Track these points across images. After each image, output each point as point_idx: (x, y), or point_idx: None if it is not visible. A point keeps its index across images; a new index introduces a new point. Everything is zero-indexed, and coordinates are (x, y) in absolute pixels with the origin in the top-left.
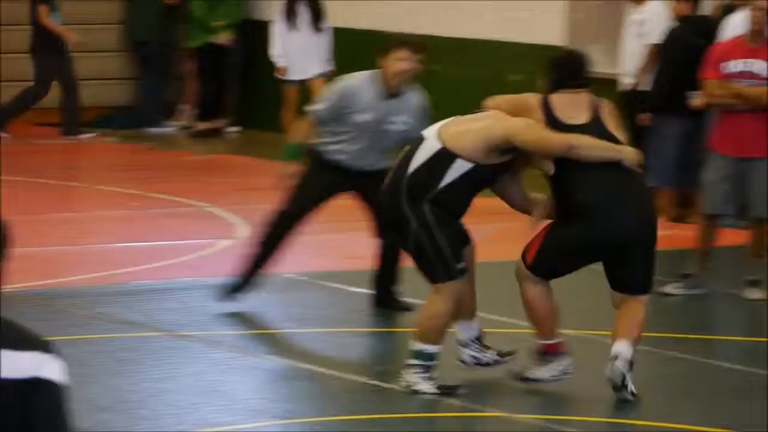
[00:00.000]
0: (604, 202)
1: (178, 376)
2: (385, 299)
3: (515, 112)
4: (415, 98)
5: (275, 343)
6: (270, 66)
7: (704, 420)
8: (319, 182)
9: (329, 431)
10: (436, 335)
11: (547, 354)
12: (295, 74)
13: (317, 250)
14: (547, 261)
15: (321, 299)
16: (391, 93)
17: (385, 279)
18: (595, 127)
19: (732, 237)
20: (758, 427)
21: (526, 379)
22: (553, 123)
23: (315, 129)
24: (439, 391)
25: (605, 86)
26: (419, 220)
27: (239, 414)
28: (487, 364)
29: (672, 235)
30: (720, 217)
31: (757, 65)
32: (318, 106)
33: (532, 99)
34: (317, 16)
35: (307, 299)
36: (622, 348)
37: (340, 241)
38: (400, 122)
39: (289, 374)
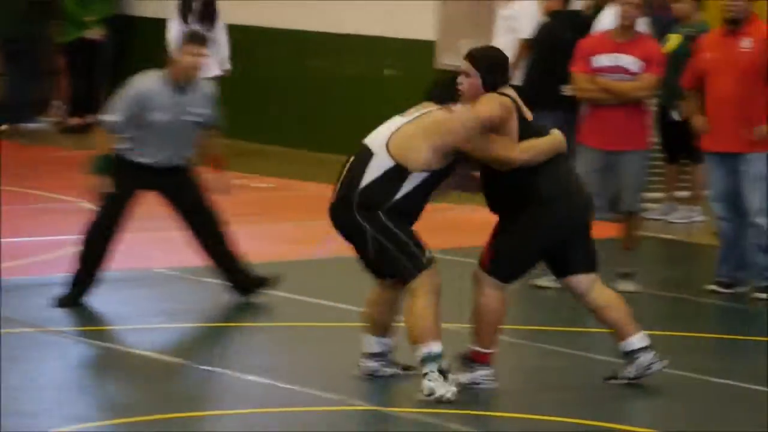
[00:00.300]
0: (562, 189)
1: (47, 371)
2: (243, 283)
3: (504, 119)
4: (205, 88)
5: (147, 338)
6: (143, 62)
7: (580, 412)
8: (126, 186)
9: (198, 430)
10: (429, 334)
11: (476, 362)
12: None
13: (189, 245)
14: (510, 262)
15: (194, 294)
16: (183, 87)
17: (228, 268)
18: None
19: (604, 230)
20: (633, 418)
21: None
22: (523, 124)
23: (114, 137)
24: (457, 394)
25: None
26: (375, 226)
27: (107, 410)
28: (381, 376)
29: None
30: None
31: (625, 60)
32: (112, 116)
33: (508, 102)
34: (211, 15)
35: (180, 294)
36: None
37: None
38: (195, 114)
39: (162, 370)
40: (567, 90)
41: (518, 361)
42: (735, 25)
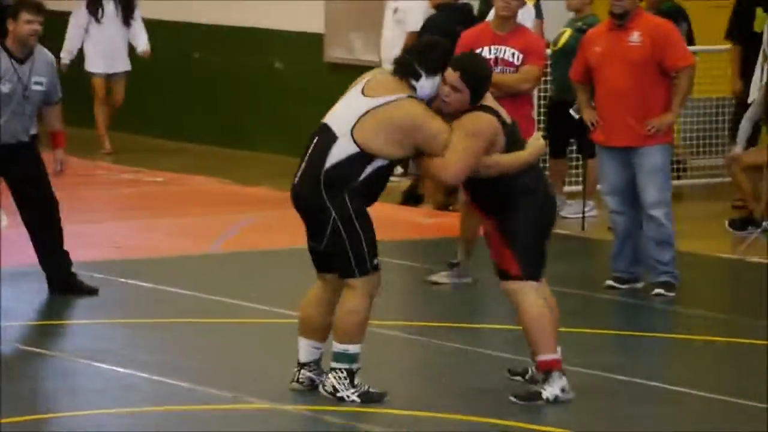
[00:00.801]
0: (539, 182)
1: None
2: (63, 281)
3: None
4: (44, 56)
5: (38, 336)
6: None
7: (471, 408)
8: None
9: (80, 429)
10: (355, 333)
11: (552, 370)
12: (100, 67)
13: (81, 240)
14: (536, 259)
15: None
16: (23, 56)
17: (53, 261)
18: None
19: None
20: (526, 414)
21: (539, 400)
22: (506, 130)
23: None
24: (360, 400)
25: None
26: (339, 212)
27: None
28: (316, 387)
29: (437, 222)
30: None
31: (505, 52)
32: None
33: (494, 123)
34: (127, 8)
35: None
36: None
37: (106, 231)
38: (38, 84)
39: (54, 368)
40: None
41: (412, 358)
42: (622, 19)
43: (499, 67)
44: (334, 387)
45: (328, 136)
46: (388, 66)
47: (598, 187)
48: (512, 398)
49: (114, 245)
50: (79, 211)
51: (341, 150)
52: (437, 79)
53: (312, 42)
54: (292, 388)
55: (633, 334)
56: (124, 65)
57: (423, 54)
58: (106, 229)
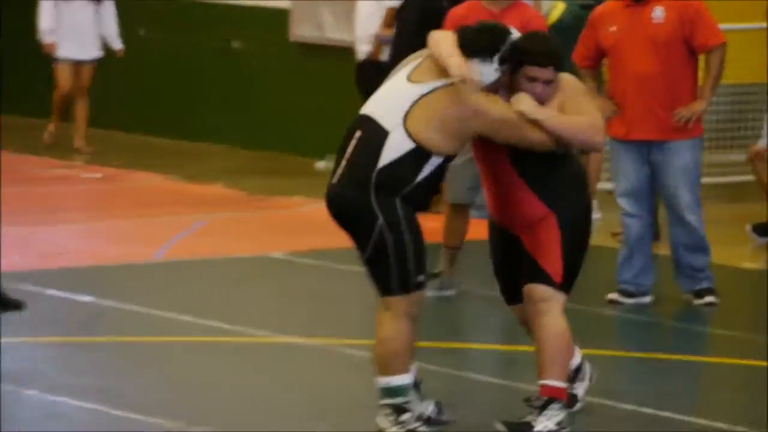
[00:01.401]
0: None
1: None
2: None
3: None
4: None
5: None
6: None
7: None
8: None
9: None
10: (396, 363)
11: (555, 400)
12: (67, 52)
13: (4, 246)
14: (574, 273)
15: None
16: None
17: None
18: None
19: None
20: None
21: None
22: None
23: None
24: None
25: (339, 54)
26: (388, 217)
27: None
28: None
29: None
30: (468, 206)
31: None
32: None
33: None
34: None
35: None
36: None
37: (34, 235)
38: None
39: None
40: None
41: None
42: None
43: None
44: (381, 426)
45: (376, 131)
46: (364, 47)
47: (599, 186)
48: (498, 426)
49: (43, 252)
50: (3, 213)
51: (395, 147)
52: (499, 69)
53: (276, 18)
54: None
55: (641, 356)
56: (94, 50)
57: (493, 40)
58: (35, 233)
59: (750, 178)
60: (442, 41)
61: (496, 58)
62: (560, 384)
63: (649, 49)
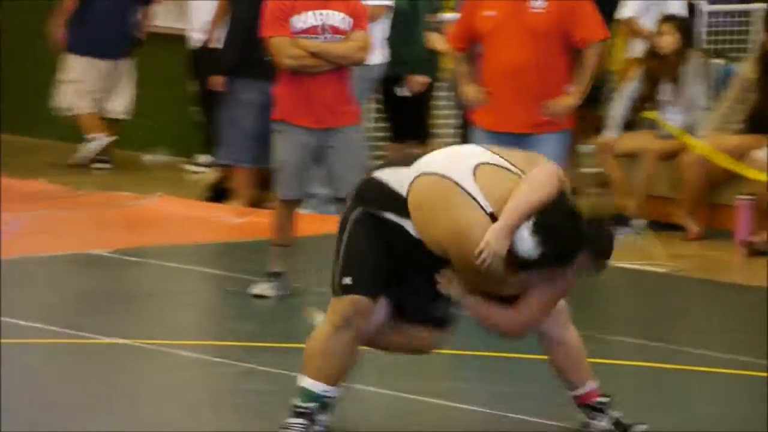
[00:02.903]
0: None
1: None
2: None
3: None
4: None
5: None
6: None
7: None
8: None
9: None
10: (318, 367)
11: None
12: None
13: None
14: None
15: None
16: None
17: None
18: None
19: (321, 224)
20: None
21: None
22: None
23: None
24: None
25: (171, 44)
26: (360, 216)
27: None
28: None
29: (249, 222)
30: (300, 201)
31: (332, 17)
32: None
33: None
34: None
35: None
36: None
37: None
38: None
39: None
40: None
41: (221, 385)
42: None
43: (327, 36)
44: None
45: (407, 160)
46: (198, 35)
47: None
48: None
49: None
50: None
51: (398, 180)
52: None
53: None
54: None
55: (481, 355)
56: None
57: (554, 215)
58: None
59: (599, 170)
60: (534, 196)
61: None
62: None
63: (526, 39)
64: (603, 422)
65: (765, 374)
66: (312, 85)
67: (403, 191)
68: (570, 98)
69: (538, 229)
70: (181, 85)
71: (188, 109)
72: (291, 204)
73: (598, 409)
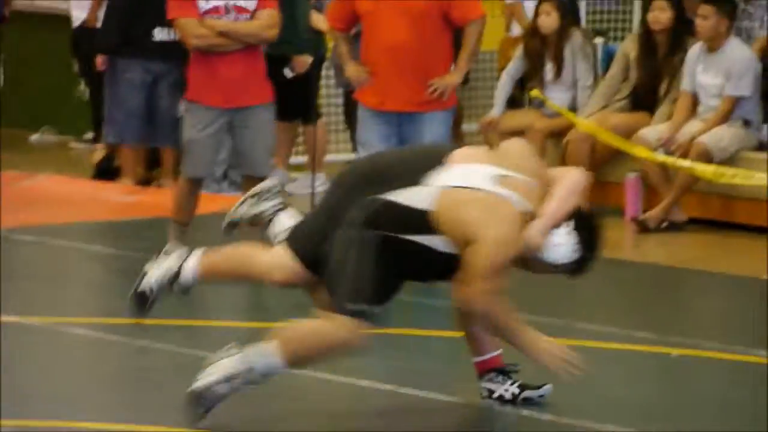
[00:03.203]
0: None
1: None
2: None
3: None
4: None
5: None
6: None
7: (161, 418)
8: None
9: None
10: (299, 353)
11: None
12: None
13: None
14: None
15: None
16: None
17: None
18: None
19: (217, 202)
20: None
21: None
22: None
23: None
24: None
25: (56, 23)
26: (364, 238)
27: None
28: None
29: (138, 200)
30: (204, 179)
31: None
32: None
33: None
34: None
35: None
36: None
37: None
38: None
39: None
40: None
41: (114, 363)
42: None
43: (231, 15)
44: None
45: (419, 171)
46: (79, 13)
47: (327, 157)
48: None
49: None
50: None
51: (413, 198)
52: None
53: None
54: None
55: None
56: None
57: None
58: None
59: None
60: (568, 204)
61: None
62: None
63: (405, 19)
64: (510, 387)
65: (656, 348)
66: (221, 64)
67: (424, 205)
68: (453, 76)
69: (577, 236)
70: (62, 65)
71: (74, 88)
72: (196, 183)
73: (506, 373)
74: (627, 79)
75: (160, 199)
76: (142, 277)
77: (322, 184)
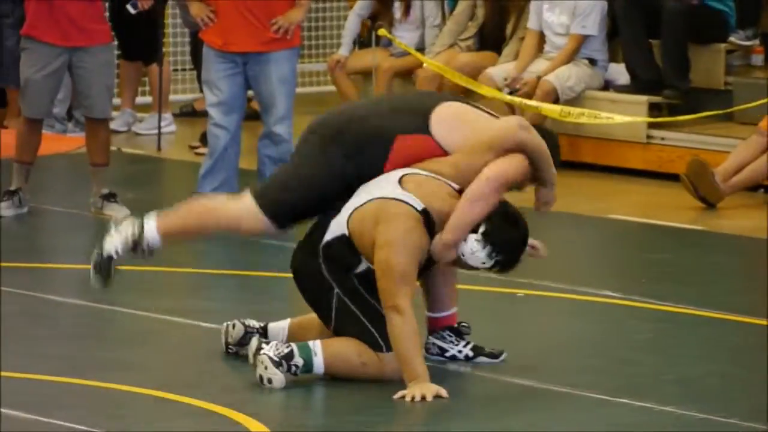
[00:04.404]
0: None
1: None
2: None
3: None
4: None
5: None
6: None
7: (48, 367)
8: None
9: None
10: (339, 368)
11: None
12: None
13: None
14: None
15: None
16: None
17: None
18: None
19: (63, 142)
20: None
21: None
22: None
23: None
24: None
25: None
26: (342, 287)
27: None
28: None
29: None
30: (42, 120)
31: None
32: None
33: None
34: None
35: None
36: None
37: None
38: None
39: None
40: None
41: None
42: None
43: None
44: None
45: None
46: None
47: (171, 97)
48: None
49: None
50: None
51: (335, 227)
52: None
53: None
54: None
55: (229, 273)
56: None
57: (499, 226)
58: None
59: (331, 88)
60: (476, 211)
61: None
62: None
63: None
64: (464, 348)
65: (504, 289)
66: (58, 1)
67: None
68: (296, 12)
69: (488, 243)
70: None
71: None
72: (36, 122)
73: (460, 333)
74: (474, 18)
75: (7, 140)
76: (101, 244)
77: (167, 124)
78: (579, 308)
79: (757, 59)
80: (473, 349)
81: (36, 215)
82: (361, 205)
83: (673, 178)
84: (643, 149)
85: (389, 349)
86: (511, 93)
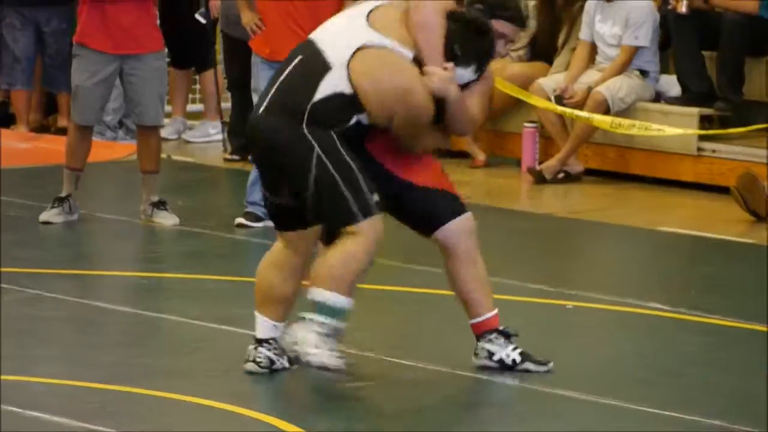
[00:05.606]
0: None
1: None
2: None
3: None
4: None
5: None
6: None
7: (91, 374)
8: None
9: None
10: (348, 283)
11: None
12: None
13: None
14: None
15: None
16: None
17: None
18: None
19: (113, 150)
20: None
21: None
22: None
23: None
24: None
25: None
26: (323, 145)
27: None
28: (275, 370)
29: (35, 147)
30: (93, 128)
31: None
32: None
33: None
34: None
35: None
36: None
37: None
38: None
39: None
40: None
41: (4, 311)
42: None
43: None
44: (303, 341)
45: (318, 64)
46: None
47: (223, 105)
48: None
49: None
50: None
51: (331, 85)
52: (475, 73)
53: None
54: (248, 369)
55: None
56: None
57: (482, 47)
58: None
59: None
60: (432, 34)
61: (477, 66)
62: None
63: None
64: (511, 352)
65: (551, 300)
66: (111, 9)
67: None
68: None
69: (466, 61)
70: None
71: None
72: (86, 129)
73: (506, 335)
74: (526, 28)
75: (56, 146)
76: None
77: (218, 132)
78: (627, 320)
79: None
80: (521, 354)
81: (86, 222)
82: (352, 57)
83: (723, 190)
84: (694, 161)
85: (365, 215)
86: (560, 103)
